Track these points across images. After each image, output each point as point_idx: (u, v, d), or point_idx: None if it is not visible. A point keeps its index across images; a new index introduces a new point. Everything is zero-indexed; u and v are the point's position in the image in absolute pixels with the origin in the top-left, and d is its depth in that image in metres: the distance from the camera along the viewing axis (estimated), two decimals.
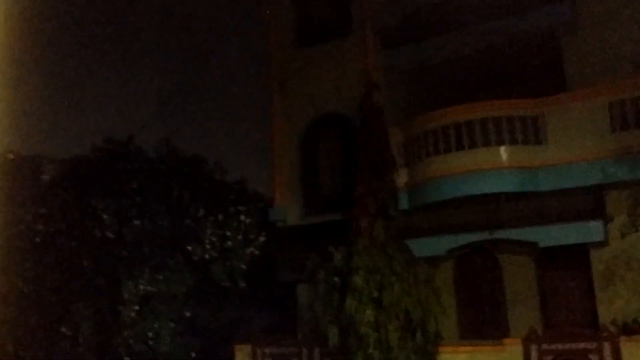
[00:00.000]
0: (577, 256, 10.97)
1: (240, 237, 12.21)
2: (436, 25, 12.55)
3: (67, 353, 12.46)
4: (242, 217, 12.27)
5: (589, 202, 10.54)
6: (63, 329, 12.32)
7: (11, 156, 20.58)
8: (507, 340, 10.43)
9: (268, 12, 15.30)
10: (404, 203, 11.76)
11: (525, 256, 11.80)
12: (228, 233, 12.05)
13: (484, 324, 12.15)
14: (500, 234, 11.11)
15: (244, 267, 12.24)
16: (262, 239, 12.47)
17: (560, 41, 11.73)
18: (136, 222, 12.18)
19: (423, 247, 11.56)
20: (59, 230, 12.49)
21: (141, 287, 11.74)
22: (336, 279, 11.10)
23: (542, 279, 11.73)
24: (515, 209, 11.03)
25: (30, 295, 12.49)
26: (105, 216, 12.16)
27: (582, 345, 9.64)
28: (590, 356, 9.49)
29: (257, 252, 12.39)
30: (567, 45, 11.68)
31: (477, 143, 10.92)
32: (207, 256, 12.01)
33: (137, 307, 11.85)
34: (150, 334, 11.87)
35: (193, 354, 12.45)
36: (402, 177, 11.84)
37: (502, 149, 10.82)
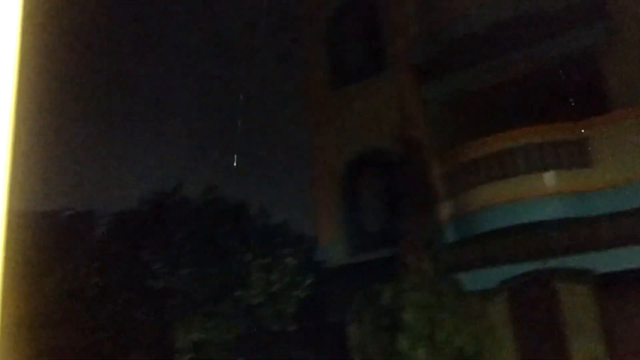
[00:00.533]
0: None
1: (287, 279, 12.21)
2: (471, 55, 12.53)
3: None
4: (288, 260, 12.29)
5: None
6: None
7: (68, 213, 21.48)
8: None
9: (305, 56, 15.65)
10: (451, 236, 11.56)
11: (584, 285, 11.30)
12: (274, 277, 12.07)
13: (545, 358, 11.63)
14: (554, 263, 10.74)
15: (292, 310, 12.19)
16: (308, 280, 12.43)
17: (598, 62, 11.50)
18: (185, 271, 12.35)
19: (474, 280, 11.27)
20: (112, 282, 12.78)
21: (193, 335, 11.81)
22: (385, 318, 10.89)
23: (604, 308, 11.18)
24: (567, 236, 10.67)
25: (87, 348, 12.74)
26: (155, 266, 12.39)
27: None
28: None
29: (304, 294, 12.35)
30: (605, 65, 11.44)
31: (521, 170, 10.72)
32: (255, 301, 12.03)
33: (189, 355, 11.91)
34: None
35: None
36: (447, 210, 11.67)
37: (547, 174, 10.57)
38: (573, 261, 10.61)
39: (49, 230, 19.17)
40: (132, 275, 12.72)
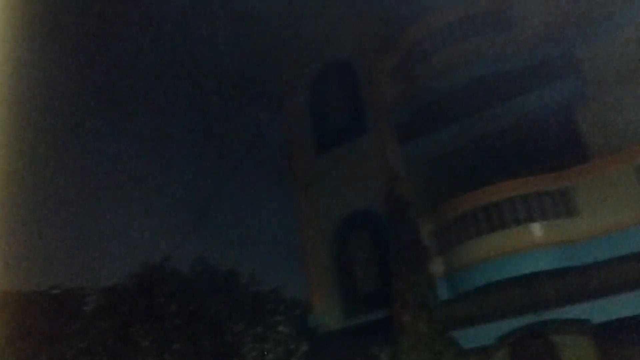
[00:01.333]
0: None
1: (281, 348, 11.92)
2: (450, 113, 12.81)
3: None
4: (281, 328, 12.05)
5: (637, 270, 10.08)
6: None
7: (56, 291, 21.02)
8: None
9: (288, 122, 15.90)
10: (443, 293, 11.45)
11: (581, 335, 11.14)
12: (267, 346, 11.79)
13: None
14: (549, 315, 10.62)
15: None
16: (303, 347, 12.15)
17: (575, 113, 11.80)
18: (176, 346, 12.04)
19: (470, 337, 11.09)
20: None
21: None
22: None
23: (606, 357, 11.00)
24: (560, 286, 10.61)
25: None
26: (145, 343, 12.07)
27: None
28: None
29: None
30: (583, 115, 11.75)
31: (508, 223, 10.76)
32: None
33: None
34: None
35: None
36: (438, 266, 11.61)
37: (534, 226, 10.62)
38: (569, 312, 10.50)
39: (36, 310, 18.74)
40: (122, 354, 12.35)
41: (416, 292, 10.92)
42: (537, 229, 10.64)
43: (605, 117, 11.44)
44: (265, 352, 11.77)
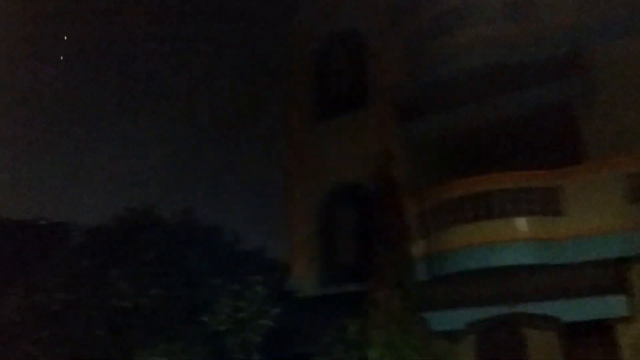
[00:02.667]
0: (604, 331, 10.54)
1: (255, 307, 12.09)
2: (453, 98, 12.75)
3: None
4: (258, 288, 12.19)
5: (610, 276, 10.23)
6: None
7: (43, 222, 21.22)
8: None
9: (289, 86, 15.80)
10: (421, 274, 11.58)
11: (550, 331, 11.37)
12: (242, 304, 11.95)
13: None
14: (521, 308, 10.80)
15: (258, 339, 12.05)
16: (277, 310, 12.32)
17: (576, 112, 11.77)
18: (152, 292, 12.17)
19: (441, 320, 11.29)
20: (77, 298, 12.54)
21: (156, 357, 11.60)
22: (354, 352, 10.84)
23: (569, 355, 11.25)
24: (536, 282, 10.78)
25: None
26: (122, 285, 12.20)
27: None
28: None
29: (271, 324, 12.22)
30: (583, 116, 11.72)
31: (495, 214, 10.83)
32: (221, 327, 11.88)
33: None
34: None
35: None
36: (419, 248, 11.72)
37: (520, 220, 10.69)
38: (541, 308, 10.68)
39: (21, 238, 18.94)
40: (99, 293, 12.50)
41: (393, 270, 11.04)
42: (522, 224, 10.72)
43: (605, 121, 11.43)
44: (239, 310, 11.94)
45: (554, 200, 10.71)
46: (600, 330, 10.53)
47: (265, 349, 12.14)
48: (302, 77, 15.59)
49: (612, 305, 9.98)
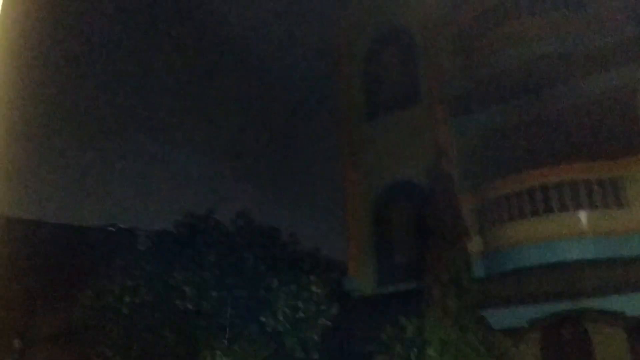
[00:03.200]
0: None
1: (313, 307, 12.26)
2: (505, 91, 12.49)
3: None
4: (314, 288, 12.35)
5: None
6: None
7: (111, 228, 22.23)
8: None
9: (340, 85, 15.87)
10: (479, 271, 11.42)
11: (616, 327, 10.98)
12: (300, 304, 12.14)
13: None
14: (585, 304, 10.48)
15: (317, 338, 12.21)
16: (335, 309, 12.45)
17: (637, 100, 11.30)
18: (214, 294, 12.55)
19: (502, 318, 11.09)
20: (144, 302, 13.08)
21: (218, 358, 11.95)
22: (413, 351, 10.81)
23: (635, 351, 10.83)
24: (599, 277, 10.43)
25: None
26: (186, 288, 12.64)
27: None
28: None
29: (329, 323, 12.36)
30: None
31: (554, 209, 10.59)
32: (281, 327, 12.11)
33: None
34: None
35: None
36: (476, 245, 11.56)
37: (581, 214, 10.40)
38: (605, 303, 10.34)
39: (92, 244, 19.91)
40: (164, 296, 12.99)
41: (449, 268, 10.95)
42: (583, 217, 10.43)
43: None
44: (297, 310, 12.14)
45: (615, 192, 10.36)
46: None
47: (324, 348, 12.30)
48: (353, 76, 15.63)
49: None
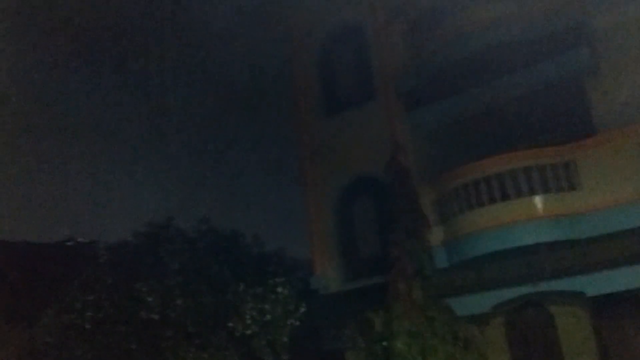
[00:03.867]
0: (636, 303, 10.40)
1: (280, 308, 12.23)
2: (457, 82, 12.66)
3: None
4: (280, 289, 12.32)
5: (636, 245, 10.09)
6: None
7: (70, 243, 21.71)
8: None
9: (295, 84, 15.84)
10: (442, 261, 11.58)
11: (578, 307, 11.26)
12: (267, 306, 12.09)
13: None
14: (545, 286, 10.72)
15: (285, 339, 12.18)
16: (302, 309, 12.44)
17: (584, 85, 11.61)
18: (179, 302, 12.38)
19: (466, 305, 11.26)
20: (107, 315, 12.81)
21: None
22: (380, 344, 10.89)
23: (599, 331, 11.12)
24: (557, 259, 10.67)
25: None
26: (149, 298, 12.43)
27: None
28: None
29: (297, 323, 12.35)
30: (592, 89, 11.55)
31: (510, 195, 10.77)
32: (249, 331, 12.03)
33: None
34: None
35: None
36: (437, 235, 11.71)
37: (536, 198, 10.61)
38: (565, 284, 10.59)
39: (51, 260, 19.41)
40: (127, 308, 12.74)
41: (413, 260, 11.06)
42: (538, 201, 10.65)
43: (614, 92, 11.24)
44: (264, 312, 12.09)
45: (568, 175, 10.61)
46: (634, 302, 10.39)
47: (293, 349, 12.29)
48: (308, 74, 15.60)
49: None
